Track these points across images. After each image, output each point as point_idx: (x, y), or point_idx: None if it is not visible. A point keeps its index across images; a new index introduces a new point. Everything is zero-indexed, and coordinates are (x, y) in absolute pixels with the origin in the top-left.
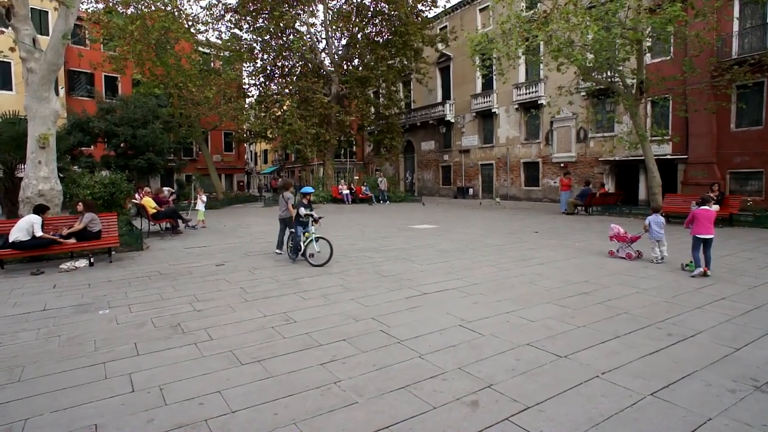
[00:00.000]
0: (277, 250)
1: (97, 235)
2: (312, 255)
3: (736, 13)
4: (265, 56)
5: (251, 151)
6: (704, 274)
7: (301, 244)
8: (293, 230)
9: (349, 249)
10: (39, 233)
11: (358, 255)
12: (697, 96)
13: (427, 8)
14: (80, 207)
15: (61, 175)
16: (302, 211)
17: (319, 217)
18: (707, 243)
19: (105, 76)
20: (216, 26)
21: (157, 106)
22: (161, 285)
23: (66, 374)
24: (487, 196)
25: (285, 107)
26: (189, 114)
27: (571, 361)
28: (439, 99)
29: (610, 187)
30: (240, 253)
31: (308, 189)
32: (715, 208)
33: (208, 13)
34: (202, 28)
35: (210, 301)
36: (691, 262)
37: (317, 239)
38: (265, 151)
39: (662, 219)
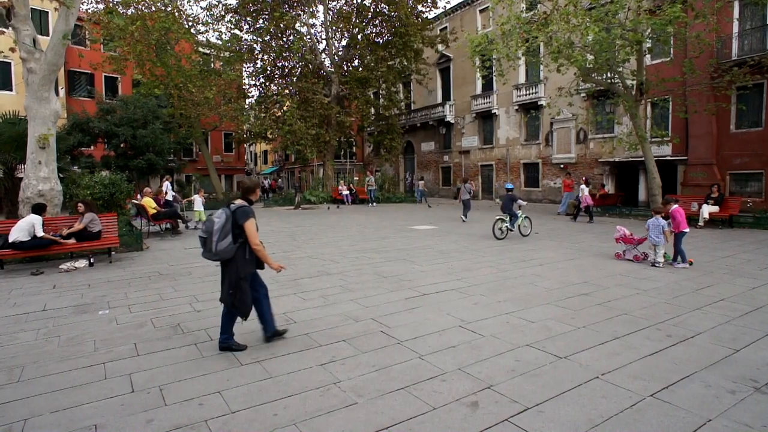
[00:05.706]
0: (462, 217)
1: (97, 236)
2: (525, 226)
3: (736, 14)
4: (265, 57)
5: (251, 152)
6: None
7: (507, 227)
8: (513, 215)
9: (348, 249)
10: (40, 233)
11: (357, 255)
12: (697, 97)
13: (428, 9)
14: (81, 208)
15: (61, 176)
16: (521, 202)
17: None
18: (683, 235)
19: (105, 76)
20: (216, 27)
21: (157, 107)
22: (161, 285)
23: (66, 375)
24: (486, 197)
25: (285, 108)
26: (189, 114)
27: (570, 362)
28: (439, 100)
29: (610, 188)
30: None
31: (509, 185)
32: (715, 209)
33: (208, 13)
34: (203, 28)
35: (210, 302)
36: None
37: (525, 217)
38: (265, 151)
39: (662, 222)
